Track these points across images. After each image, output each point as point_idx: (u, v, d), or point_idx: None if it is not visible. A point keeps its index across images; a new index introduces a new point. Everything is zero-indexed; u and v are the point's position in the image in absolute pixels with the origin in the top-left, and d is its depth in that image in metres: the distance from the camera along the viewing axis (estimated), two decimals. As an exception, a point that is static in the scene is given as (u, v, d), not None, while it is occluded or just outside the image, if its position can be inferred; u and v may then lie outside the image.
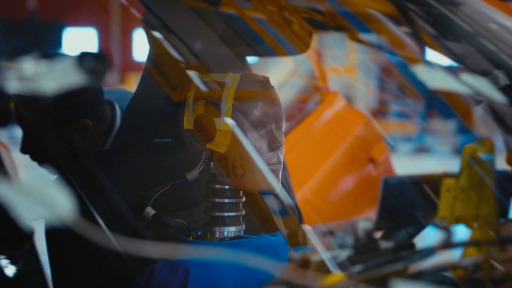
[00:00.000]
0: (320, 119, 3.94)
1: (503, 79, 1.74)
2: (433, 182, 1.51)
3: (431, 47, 1.83)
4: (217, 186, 2.11)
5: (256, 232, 2.24)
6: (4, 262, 2.65)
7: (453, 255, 1.39)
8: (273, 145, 2.08)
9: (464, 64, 1.79)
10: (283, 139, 2.12)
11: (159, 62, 2.25)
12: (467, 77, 1.48)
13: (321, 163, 3.66)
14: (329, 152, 3.77)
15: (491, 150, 1.49)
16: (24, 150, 2.58)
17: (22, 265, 2.70)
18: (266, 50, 2.48)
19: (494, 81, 1.74)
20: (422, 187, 1.51)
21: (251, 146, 2.05)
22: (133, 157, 2.22)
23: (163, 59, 2.25)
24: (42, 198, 0.88)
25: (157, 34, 2.20)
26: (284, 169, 2.65)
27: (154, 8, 2.22)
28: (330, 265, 1.38)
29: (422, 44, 1.85)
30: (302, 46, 2.43)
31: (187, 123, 2.09)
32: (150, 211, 2.10)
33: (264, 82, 2.12)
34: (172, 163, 2.22)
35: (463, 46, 1.80)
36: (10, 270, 2.64)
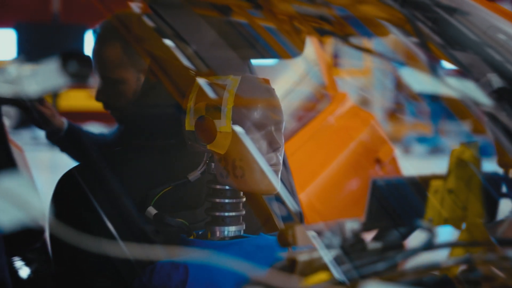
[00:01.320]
0: (327, 120, 3.93)
1: (496, 82, 1.73)
2: (422, 183, 1.50)
3: (438, 56, 1.82)
4: (218, 186, 2.12)
5: (257, 232, 2.25)
6: (19, 263, 2.66)
7: (437, 255, 1.39)
8: (273, 146, 2.08)
9: (469, 73, 1.78)
10: (283, 140, 2.13)
11: (163, 66, 2.26)
12: (454, 81, 1.48)
13: (326, 165, 3.65)
14: (334, 154, 3.76)
15: (478, 152, 1.49)
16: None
17: (35, 267, 2.70)
18: (269, 52, 2.48)
19: (488, 84, 1.73)
20: (410, 188, 1.51)
21: (251, 147, 2.05)
22: (136, 158, 2.23)
23: (167, 64, 2.26)
24: (16, 200, 0.88)
25: (168, 41, 2.21)
26: (287, 170, 2.65)
27: (165, 17, 2.23)
28: (318, 265, 1.38)
29: (429, 53, 1.84)
30: (301, 46, 2.44)
31: (188, 124, 2.10)
32: (152, 210, 2.11)
33: (264, 85, 2.13)
34: (175, 164, 2.23)
35: (469, 56, 1.79)
36: (24, 272, 2.66)
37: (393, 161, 4.03)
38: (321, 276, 1.32)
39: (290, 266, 1.37)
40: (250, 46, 2.45)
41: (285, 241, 1.42)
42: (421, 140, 12.39)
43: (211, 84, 2.08)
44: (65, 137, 2.95)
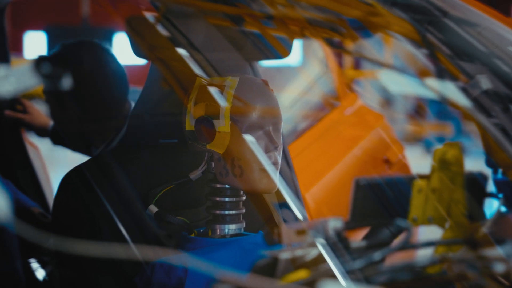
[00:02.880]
0: (335, 121, 3.91)
1: (485, 84, 1.72)
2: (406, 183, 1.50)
3: (447, 67, 1.81)
4: (218, 185, 2.12)
5: (259, 230, 2.25)
6: (35, 265, 2.68)
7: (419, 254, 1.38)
8: (271, 146, 2.08)
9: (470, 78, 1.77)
10: (281, 140, 2.13)
11: (170, 67, 2.28)
12: (434, 82, 1.47)
13: (332, 166, 3.62)
14: (341, 155, 3.73)
15: (460, 152, 1.48)
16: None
17: (51, 270, 2.72)
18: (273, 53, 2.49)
19: (477, 85, 1.72)
20: (393, 188, 1.51)
21: (249, 146, 2.06)
22: (138, 157, 2.25)
23: (178, 70, 2.27)
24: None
25: (182, 51, 2.23)
26: (291, 170, 2.65)
27: (181, 27, 2.25)
28: (300, 262, 1.38)
29: (438, 64, 1.83)
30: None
31: (189, 124, 2.11)
32: (153, 208, 2.13)
33: (263, 85, 2.13)
34: (177, 163, 2.25)
35: (477, 67, 1.78)
36: (40, 274, 2.67)
37: (402, 160, 4.00)
38: (300, 274, 1.33)
39: (272, 264, 1.37)
40: (253, 47, 2.46)
41: (271, 239, 1.42)
42: (444, 140, 12.27)
43: (210, 85, 2.10)
44: (52, 134, 3.02)
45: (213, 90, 2.09)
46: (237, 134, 2.06)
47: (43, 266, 2.71)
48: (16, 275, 2.44)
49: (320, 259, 1.38)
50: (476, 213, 1.52)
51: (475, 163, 1.64)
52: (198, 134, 2.09)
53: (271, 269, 1.37)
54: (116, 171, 2.20)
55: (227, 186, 2.12)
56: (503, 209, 1.65)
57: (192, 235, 2.16)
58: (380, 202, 1.49)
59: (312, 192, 3.25)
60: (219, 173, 2.10)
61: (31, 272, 2.65)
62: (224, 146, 2.07)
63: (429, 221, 1.49)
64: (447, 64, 1.80)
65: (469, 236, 1.47)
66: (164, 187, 2.17)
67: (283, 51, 2.44)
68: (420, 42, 1.83)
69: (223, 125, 2.06)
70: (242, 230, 2.16)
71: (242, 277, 1.27)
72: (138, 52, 2.31)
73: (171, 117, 2.25)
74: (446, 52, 1.81)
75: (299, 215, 2.45)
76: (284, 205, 2.39)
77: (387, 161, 3.87)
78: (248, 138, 2.06)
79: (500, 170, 2.19)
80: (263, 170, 2.07)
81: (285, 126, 3.22)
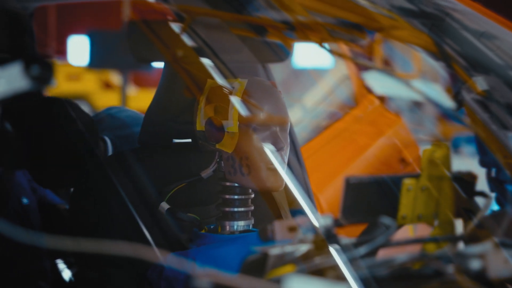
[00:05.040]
0: (351, 122, 3.89)
1: (481, 85, 1.71)
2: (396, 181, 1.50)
3: (463, 77, 1.80)
4: (228, 183, 2.14)
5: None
6: (62, 266, 2.70)
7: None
8: (277, 146, 2.09)
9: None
10: (288, 140, 2.14)
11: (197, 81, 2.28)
12: (420, 83, 1.46)
13: (346, 167, 3.59)
14: (356, 156, 3.70)
15: (448, 152, 1.47)
16: None
17: (76, 270, 2.74)
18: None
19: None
20: (384, 186, 1.50)
21: (256, 146, 2.07)
22: (150, 156, 2.27)
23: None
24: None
25: (205, 60, 2.24)
26: (303, 169, 2.65)
27: (205, 37, 2.26)
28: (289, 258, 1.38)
29: (454, 74, 1.82)
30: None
31: (199, 125, 2.13)
32: (165, 205, 2.15)
33: (270, 87, 2.15)
34: (190, 162, 2.27)
35: (491, 78, 1.77)
36: (66, 274, 2.70)
37: (418, 159, 3.95)
38: (287, 269, 1.33)
39: (262, 260, 1.38)
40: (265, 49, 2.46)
41: (265, 236, 1.42)
42: (470, 141, 12.16)
43: (219, 87, 2.11)
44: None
45: (222, 92, 2.10)
46: (245, 134, 2.07)
47: (69, 267, 2.73)
48: (44, 274, 2.46)
49: (310, 255, 1.39)
50: (465, 211, 1.51)
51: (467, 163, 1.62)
52: (208, 134, 2.11)
53: (260, 265, 1.37)
54: (136, 168, 2.23)
55: (236, 184, 2.13)
56: (495, 207, 1.63)
57: (203, 232, 2.17)
58: (371, 200, 1.49)
59: (325, 192, 3.24)
60: (228, 172, 2.12)
61: (58, 273, 2.67)
62: (232, 146, 2.09)
63: (418, 219, 1.48)
64: (463, 75, 1.79)
65: (460, 233, 1.47)
66: (176, 185, 2.19)
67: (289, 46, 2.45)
68: (437, 53, 1.82)
69: (231, 126, 2.08)
70: (251, 226, 2.17)
71: (223, 273, 1.28)
72: (137, 56, 2.31)
73: (182, 122, 2.26)
74: (454, 56, 1.80)
75: (309, 215, 2.45)
76: (297, 207, 2.39)
77: (402, 162, 3.83)
78: (256, 138, 2.08)
79: (494, 170, 2.17)
80: (270, 169, 2.09)
81: (300, 134, 3.20)
